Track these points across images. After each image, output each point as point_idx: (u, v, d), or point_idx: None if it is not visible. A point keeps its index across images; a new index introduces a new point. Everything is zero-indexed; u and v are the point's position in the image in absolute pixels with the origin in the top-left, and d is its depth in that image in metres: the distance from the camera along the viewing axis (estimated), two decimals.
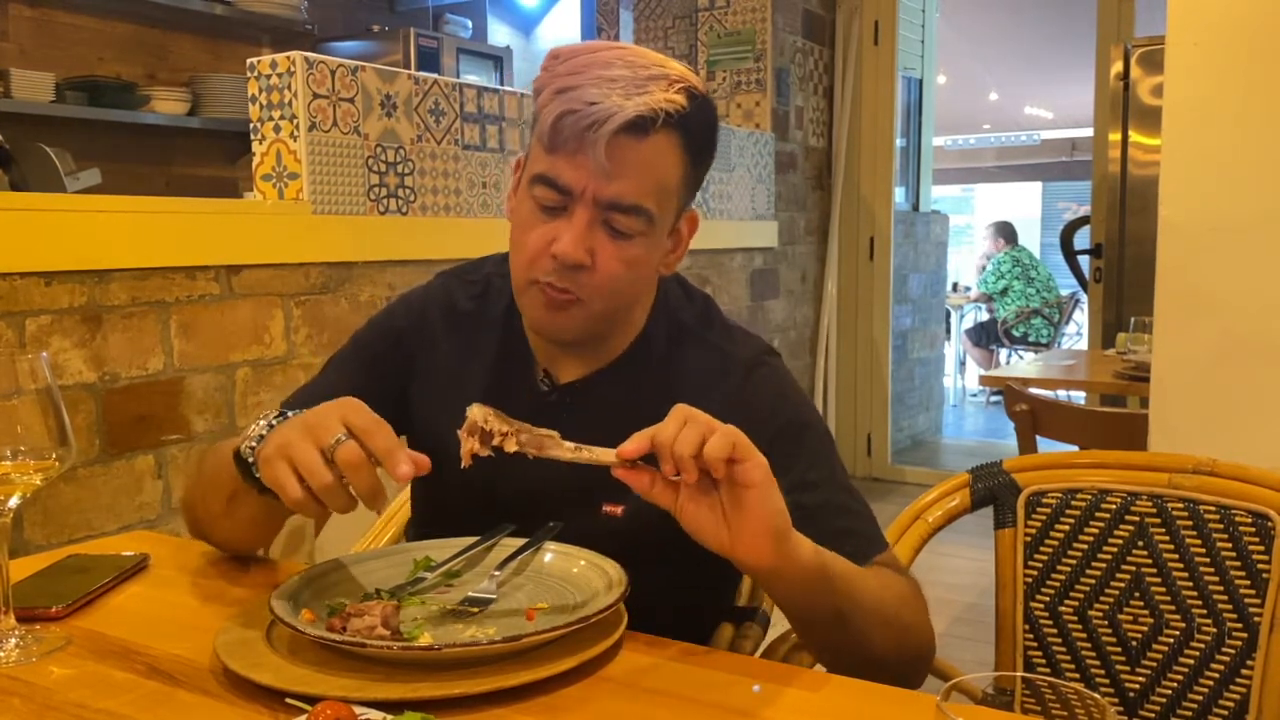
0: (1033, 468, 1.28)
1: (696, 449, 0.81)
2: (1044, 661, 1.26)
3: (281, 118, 2.41)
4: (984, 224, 8.98)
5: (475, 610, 0.93)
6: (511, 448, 0.85)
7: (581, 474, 0.88)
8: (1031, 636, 1.26)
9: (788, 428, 1.07)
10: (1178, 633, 1.19)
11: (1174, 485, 1.20)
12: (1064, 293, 7.44)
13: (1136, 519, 1.21)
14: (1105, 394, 3.74)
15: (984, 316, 7.91)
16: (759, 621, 1.19)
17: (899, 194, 5.47)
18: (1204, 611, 1.17)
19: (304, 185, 2.40)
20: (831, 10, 4.99)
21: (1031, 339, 7.34)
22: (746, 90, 4.56)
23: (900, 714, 0.79)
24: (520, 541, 1.04)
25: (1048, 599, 1.26)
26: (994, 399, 7.43)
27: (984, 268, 7.83)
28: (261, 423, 0.93)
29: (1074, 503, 1.24)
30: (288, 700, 0.76)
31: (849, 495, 1.06)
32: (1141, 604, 1.20)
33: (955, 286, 8.35)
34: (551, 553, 1.03)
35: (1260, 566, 1.14)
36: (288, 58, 2.40)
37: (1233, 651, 1.16)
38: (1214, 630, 1.17)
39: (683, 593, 1.07)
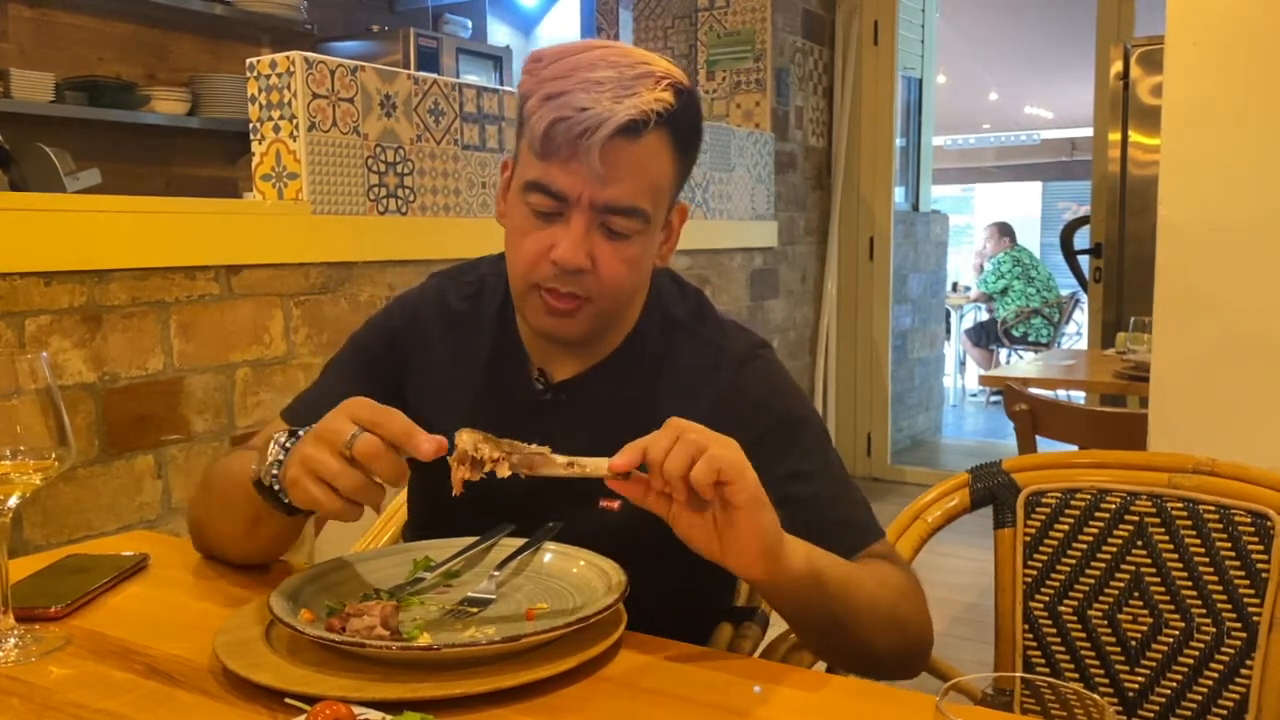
0: (1032, 467, 1.28)
1: (684, 470, 0.81)
2: (1043, 661, 1.26)
3: (281, 118, 2.41)
4: (984, 224, 8.98)
5: (475, 610, 0.93)
6: (504, 473, 0.85)
7: None
8: (1031, 636, 1.26)
9: (782, 421, 1.07)
10: (1177, 632, 1.19)
11: (1173, 485, 1.20)
12: (1064, 292, 7.44)
13: (1136, 519, 1.21)
14: (1105, 394, 3.74)
15: (984, 316, 7.91)
16: (758, 621, 1.19)
17: (899, 194, 5.47)
18: (1203, 611, 1.17)
19: (303, 185, 2.40)
20: (831, 10, 4.99)
21: (1031, 339, 7.34)
22: (746, 90, 4.56)
23: (900, 714, 0.79)
24: (520, 541, 1.05)
25: (1047, 599, 1.26)
26: (994, 399, 7.43)
27: (981, 266, 7.83)
28: (275, 448, 0.93)
29: (1073, 502, 1.24)
30: (287, 700, 0.76)
31: (844, 486, 1.07)
32: (1141, 604, 1.20)
33: (955, 286, 8.35)
34: (551, 553, 1.04)
35: (1259, 566, 1.14)
36: (287, 58, 2.40)
37: (1232, 651, 1.16)
38: (1213, 630, 1.17)
39: (682, 593, 1.07)
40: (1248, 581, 1.15)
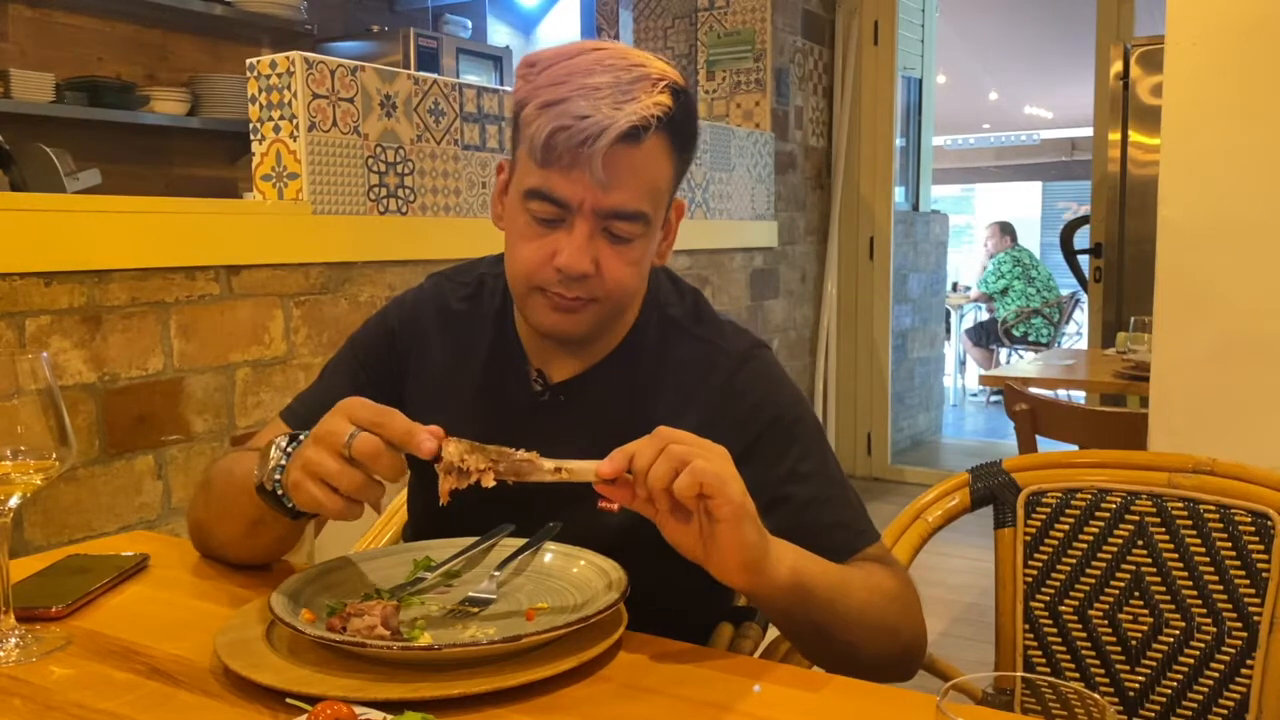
0: (1032, 467, 1.28)
1: (667, 483, 0.82)
2: (1044, 661, 1.26)
3: (281, 118, 2.41)
4: (984, 224, 8.98)
5: (475, 610, 0.93)
6: (489, 483, 0.85)
7: None
8: (1031, 636, 1.26)
9: (779, 420, 1.07)
10: (1178, 632, 1.19)
11: (1174, 485, 1.20)
12: (1064, 292, 7.44)
13: (1136, 518, 1.21)
14: (1105, 394, 3.74)
15: (984, 316, 7.91)
16: (759, 621, 1.19)
17: (899, 194, 5.47)
18: (1204, 611, 1.17)
19: (304, 185, 2.40)
20: (831, 10, 4.99)
21: (1031, 339, 7.34)
22: (746, 90, 4.56)
23: (900, 714, 0.79)
24: (520, 541, 1.05)
25: (1047, 599, 1.26)
26: (994, 399, 7.44)
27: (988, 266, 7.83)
28: (276, 452, 0.93)
29: (1074, 502, 1.24)
30: (288, 700, 0.76)
31: (840, 487, 1.07)
32: (1141, 603, 1.21)
33: (955, 286, 8.35)
34: (551, 553, 1.04)
35: (1260, 566, 1.14)
36: (287, 58, 2.40)
37: (1232, 651, 1.16)
38: (1214, 630, 1.17)
39: (682, 593, 1.07)
40: (1248, 581, 1.15)
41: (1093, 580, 1.23)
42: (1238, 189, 1.77)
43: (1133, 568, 1.21)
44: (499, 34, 5.23)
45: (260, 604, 0.91)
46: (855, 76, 5.01)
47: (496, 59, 4.59)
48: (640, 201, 1.01)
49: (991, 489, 1.28)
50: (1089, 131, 4.86)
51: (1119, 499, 1.22)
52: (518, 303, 1.10)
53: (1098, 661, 1.23)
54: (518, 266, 1.04)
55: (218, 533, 1.09)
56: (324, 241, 2.46)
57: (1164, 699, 1.20)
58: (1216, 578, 1.17)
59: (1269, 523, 1.14)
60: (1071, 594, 1.24)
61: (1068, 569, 1.24)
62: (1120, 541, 1.22)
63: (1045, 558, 1.26)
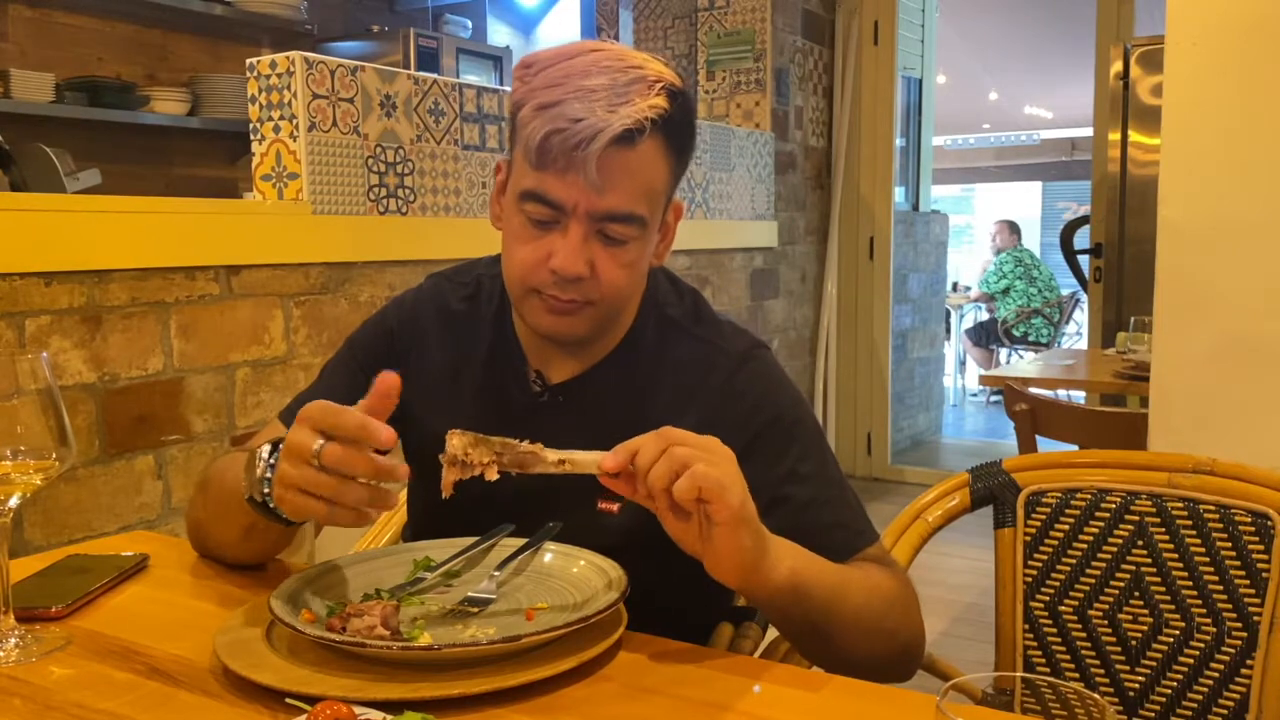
0: (1032, 467, 1.28)
1: (667, 484, 0.82)
2: (1044, 661, 1.26)
3: (281, 118, 2.41)
4: (984, 224, 8.98)
5: (475, 610, 0.93)
6: (492, 476, 0.85)
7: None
8: (1031, 636, 1.26)
9: (778, 421, 1.07)
10: (1177, 632, 1.19)
11: (1174, 485, 1.20)
12: (1064, 292, 7.45)
13: (1136, 518, 1.21)
14: (1105, 394, 3.74)
15: (984, 316, 7.91)
16: (758, 621, 1.19)
17: (899, 194, 5.47)
18: (1204, 611, 1.17)
19: (304, 185, 2.40)
20: (831, 10, 4.99)
21: (1031, 339, 7.34)
22: (746, 90, 4.56)
23: (900, 714, 0.79)
24: (520, 541, 1.05)
25: (1047, 599, 1.26)
26: (994, 399, 7.44)
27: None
28: (260, 463, 0.92)
29: (1074, 502, 1.24)
30: (288, 700, 0.76)
31: (839, 488, 1.07)
32: (1141, 603, 1.20)
33: (955, 286, 8.35)
34: (551, 553, 1.04)
35: (1260, 566, 1.14)
36: (287, 58, 2.40)
37: (1232, 651, 1.16)
38: (1214, 630, 1.17)
39: (682, 593, 1.07)
40: (1248, 581, 1.15)
41: (1093, 580, 1.23)
42: (1238, 189, 1.77)
43: (1133, 568, 1.21)
44: (499, 34, 5.23)
45: (260, 604, 0.91)
46: (855, 76, 5.01)
47: (496, 59, 4.59)
48: (635, 204, 1.00)
49: (991, 489, 1.28)
50: (1089, 131, 4.86)
51: (1119, 499, 1.22)
52: (515, 304, 1.10)
53: (1098, 661, 1.23)
54: (514, 268, 1.04)
55: (215, 534, 1.09)
56: (324, 241, 2.46)
57: (1164, 699, 1.20)
58: (1216, 578, 1.17)
59: (1269, 523, 1.14)
60: (1071, 594, 1.24)
61: (1068, 569, 1.24)
62: (1120, 541, 1.22)
63: (1045, 558, 1.26)
